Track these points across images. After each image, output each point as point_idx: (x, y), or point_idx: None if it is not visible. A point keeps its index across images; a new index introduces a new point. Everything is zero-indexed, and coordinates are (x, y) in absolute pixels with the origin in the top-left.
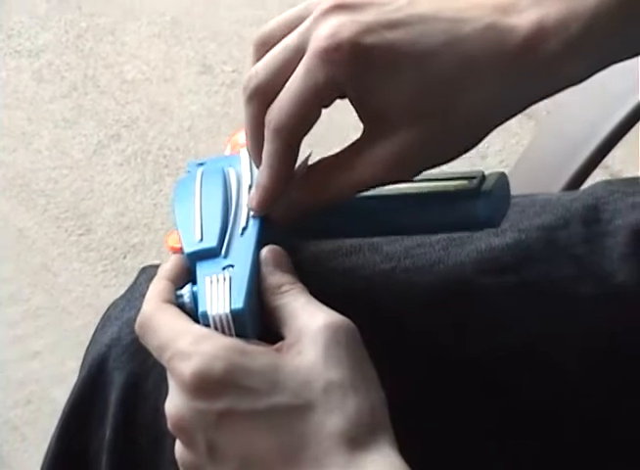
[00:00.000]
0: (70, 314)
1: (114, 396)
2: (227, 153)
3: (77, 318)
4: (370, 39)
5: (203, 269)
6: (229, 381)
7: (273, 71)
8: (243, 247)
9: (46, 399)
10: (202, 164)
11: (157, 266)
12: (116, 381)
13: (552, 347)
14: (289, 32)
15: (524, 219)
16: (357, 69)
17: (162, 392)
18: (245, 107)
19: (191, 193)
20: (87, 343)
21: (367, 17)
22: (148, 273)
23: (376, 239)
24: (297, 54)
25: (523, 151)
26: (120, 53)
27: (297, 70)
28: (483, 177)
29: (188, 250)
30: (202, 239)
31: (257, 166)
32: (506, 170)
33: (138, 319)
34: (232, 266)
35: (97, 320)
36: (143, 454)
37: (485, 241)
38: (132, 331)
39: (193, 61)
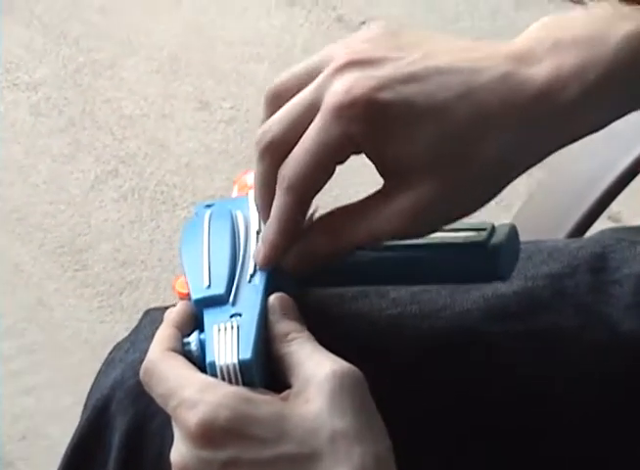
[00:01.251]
0: (66, 350)
1: (116, 439)
2: (234, 194)
3: (73, 354)
4: (385, 95)
5: (210, 317)
6: (234, 430)
7: (287, 127)
8: (250, 294)
9: (41, 435)
10: (209, 207)
11: (161, 309)
12: (119, 425)
13: (560, 393)
14: (302, 86)
15: (530, 267)
16: (373, 125)
17: (166, 436)
18: (257, 161)
19: (199, 237)
20: (82, 379)
21: (382, 72)
22: (152, 316)
23: (375, 287)
24: (312, 110)
25: (528, 196)
26: (118, 88)
27: (312, 126)
28: (493, 229)
29: (196, 296)
30: (209, 285)
31: (264, 220)
32: (504, 210)
33: (143, 366)
34: (239, 315)
35: (93, 356)
36: None
37: (492, 287)
38: (136, 374)
39: (191, 97)
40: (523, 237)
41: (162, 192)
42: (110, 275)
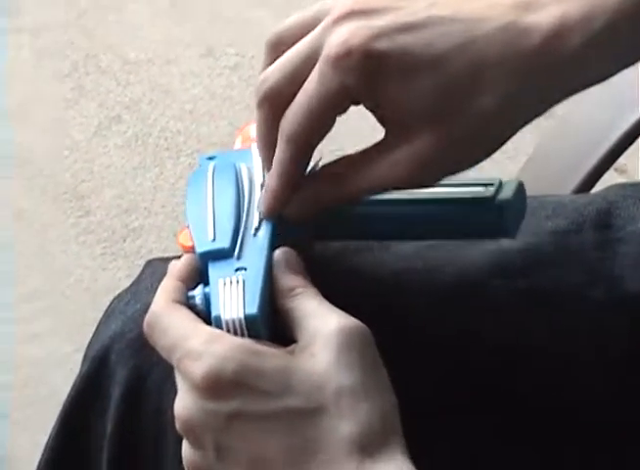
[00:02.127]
0: (68, 297)
1: (116, 391)
2: (237, 146)
3: (75, 302)
4: (382, 44)
5: (215, 271)
6: (240, 382)
7: (285, 77)
8: (255, 248)
9: (43, 383)
10: (212, 159)
11: (162, 259)
12: (119, 376)
13: (562, 351)
14: (303, 34)
15: (534, 222)
16: (370, 75)
17: (166, 388)
18: (256, 110)
19: (203, 189)
20: (84, 327)
21: (381, 21)
22: (153, 266)
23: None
24: (310, 60)
25: (533, 150)
26: (123, 33)
27: (310, 77)
28: (500, 185)
29: (200, 249)
30: (214, 239)
31: (267, 170)
32: (512, 163)
33: (147, 318)
34: (244, 269)
35: (94, 304)
36: (145, 450)
37: (497, 243)
38: (137, 326)
39: (195, 43)
40: (528, 192)
41: (166, 138)
42: (112, 222)
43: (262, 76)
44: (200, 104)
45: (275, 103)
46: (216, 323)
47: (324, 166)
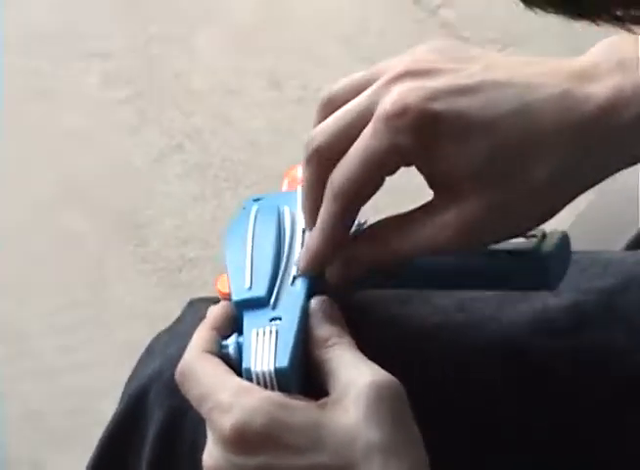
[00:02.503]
0: (121, 326)
1: (152, 430)
2: (284, 188)
3: (128, 330)
4: (437, 105)
5: (250, 320)
6: (269, 436)
7: (336, 134)
8: (292, 298)
9: (92, 411)
10: (257, 201)
11: (204, 300)
12: (156, 416)
13: (607, 415)
14: (356, 94)
15: (583, 280)
16: (422, 136)
17: (201, 429)
18: (304, 166)
19: (243, 233)
20: (136, 356)
21: (437, 83)
22: (195, 307)
23: (425, 291)
24: (363, 118)
25: (586, 205)
26: (188, 62)
27: (363, 134)
28: (544, 236)
29: (236, 297)
30: (251, 286)
31: (310, 229)
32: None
33: (179, 367)
34: (279, 319)
35: (148, 333)
36: None
37: (542, 300)
38: (173, 367)
39: (261, 74)
40: (580, 247)
41: (226, 169)
42: (170, 252)
43: (312, 133)
44: (262, 135)
45: (324, 159)
46: (247, 375)
47: (369, 227)
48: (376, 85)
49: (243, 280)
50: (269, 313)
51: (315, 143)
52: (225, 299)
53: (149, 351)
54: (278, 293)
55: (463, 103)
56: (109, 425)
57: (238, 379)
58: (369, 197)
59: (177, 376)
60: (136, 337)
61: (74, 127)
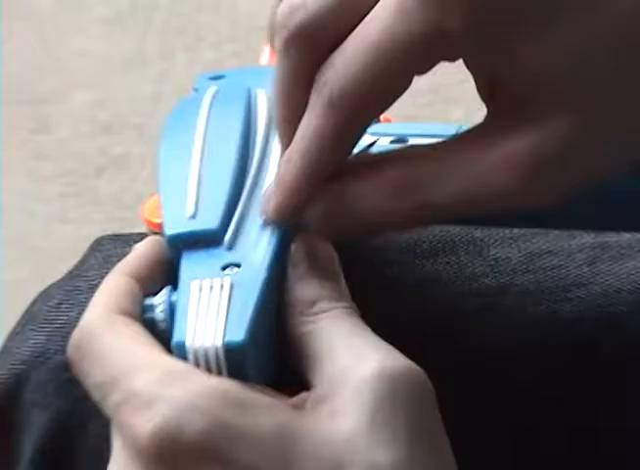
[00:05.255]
0: None
1: (28, 447)
2: (263, 58)
3: None
4: None
5: (190, 266)
6: (211, 450)
7: (332, 5)
8: (259, 233)
9: None
10: (218, 79)
11: (119, 238)
12: (35, 423)
13: None
14: None
15: None
16: (482, 13)
17: (106, 438)
18: (279, 54)
19: (190, 131)
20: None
21: None
22: (105, 248)
23: (478, 234)
24: None
25: None
26: None
27: (379, 9)
28: None
29: (172, 230)
30: (195, 215)
31: (284, 148)
32: None
33: (74, 336)
34: (237, 266)
35: None
36: None
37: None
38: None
39: None
40: None
41: (180, 14)
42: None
43: (289, 2)
44: None
45: (312, 46)
46: (180, 352)
47: (379, 156)
48: None
49: (183, 204)
50: (222, 257)
51: (299, 17)
52: (155, 233)
53: (28, 316)
54: (238, 226)
55: None
56: None
57: (167, 357)
58: (384, 108)
59: (70, 350)
60: None
61: None
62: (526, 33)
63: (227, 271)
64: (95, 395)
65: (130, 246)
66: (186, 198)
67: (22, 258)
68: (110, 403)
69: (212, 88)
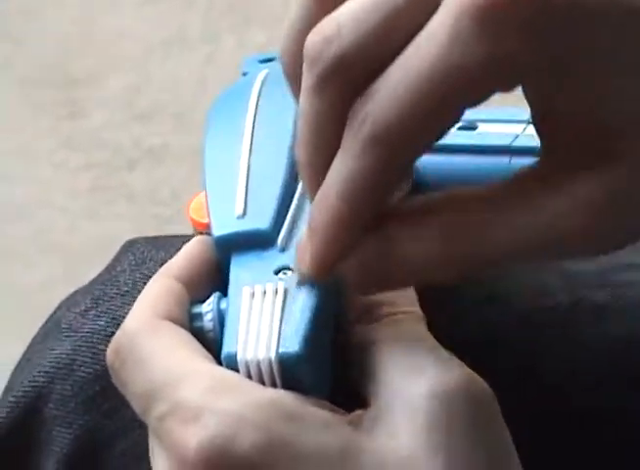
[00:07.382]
0: None
1: (49, 467)
2: None
3: None
4: None
5: (241, 270)
6: (264, 465)
7: (372, 31)
8: None
9: None
10: (268, 61)
11: (153, 239)
12: (57, 443)
13: None
14: None
15: None
16: (551, 41)
17: (137, 467)
18: (310, 91)
19: (238, 122)
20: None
21: None
22: (136, 252)
23: None
24: (424, 4)
25: None
26: None
27: (427, 34)
28: None
29: (220, 231)
30: (244, 214)
31: (313, 195)
32: None
33: (114, 342)
34: (292, 269)
35: None
36: None
37: None
38: (95, 351)
39: None
40: None
41: None
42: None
43: (321, 30)
44: None
45: (351, 78)
46: (230, 363)
47: (421, 203)
48: None
49: (232, 203)
50: (275, 259)
51: (334, 49)
52: (202, 233)
53: (51, 324)
54: (291, 226)
55: None
56: None
57: (217, 367)
58: (432, 144)
59: (110, 356)
60: None
61: None
62: (598, 63)
63: (280, 275)
64: (136, 404)
65: (165, 249)
66: (235, 196)
67: (46, 258)
68: (154, 414)
69: (264, 72)
